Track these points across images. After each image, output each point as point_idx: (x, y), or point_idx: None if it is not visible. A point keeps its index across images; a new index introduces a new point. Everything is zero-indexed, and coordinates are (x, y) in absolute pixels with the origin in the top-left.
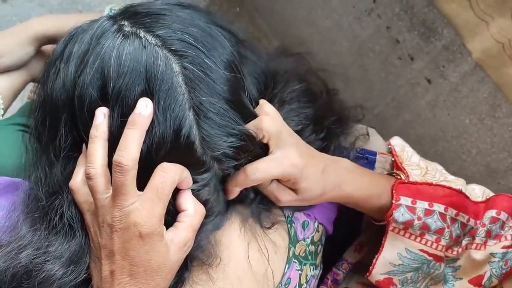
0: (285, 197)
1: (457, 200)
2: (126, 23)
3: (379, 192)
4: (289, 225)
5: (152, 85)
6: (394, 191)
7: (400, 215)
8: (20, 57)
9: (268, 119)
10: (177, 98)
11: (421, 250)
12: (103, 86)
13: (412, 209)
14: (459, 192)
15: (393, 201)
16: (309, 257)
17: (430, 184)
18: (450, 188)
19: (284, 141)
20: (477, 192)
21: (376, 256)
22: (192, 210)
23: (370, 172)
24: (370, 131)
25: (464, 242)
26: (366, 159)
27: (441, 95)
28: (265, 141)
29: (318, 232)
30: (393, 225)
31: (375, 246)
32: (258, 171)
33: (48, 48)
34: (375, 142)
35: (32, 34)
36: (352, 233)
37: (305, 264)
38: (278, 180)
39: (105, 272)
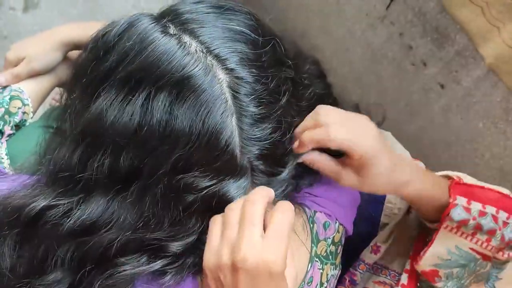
0: (347, 178)
1: (508, 204)
2: (171, 26)
3: (440, 193)
4: (311, 225)
5: (193, 94)
6: (451, 191)
7: (457, 214)
8: (48, 62)
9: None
10: (218, 107)
11: (471, 249)
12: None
13: (468, 210)
14: (508, 196)
15: (450, 201)
16: (330, 256)
17: (482, 188)
18: (499, 192)
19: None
20: None
21: (424, 249)
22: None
23: (431, 172)
24: (386, 134)
25: None
26: None
27: (454, 100)
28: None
29: (339, 232)
30: (447, 223)
31: (393, 246)
32: (338, 135)
33: (73, 54)
34: (392, 145)
35: (59, 40)
36: (369, 234)
37: (326, 264)
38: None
39: None
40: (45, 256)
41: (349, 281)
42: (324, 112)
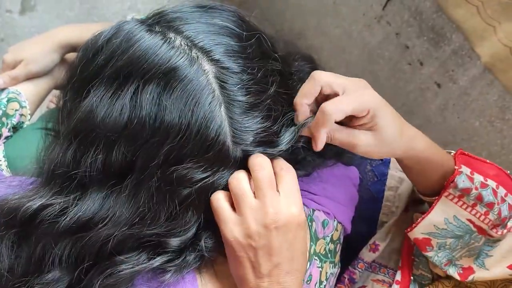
0: (362, 139)
1: (506, 181)
2: (156, 26)
3: (445, 159)
4: (309, 223)
5: (179, 85)
6: (456, 159)
7: (461, 181)
8: (46, 64)
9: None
10: (206, 97)
11: (469, 220)
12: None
13: (471, 179)
14: (507, 174)
15: (456, 167)
16: (329, 255)
17: (485, 161)
18: (500, 168)
19: (353, 80)
20: None
21: (422, 216)
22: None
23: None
24: None
25: (509, 224)
26: (381, 160)
27: (451, 99)
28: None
29: (337, 231)
30: (449, 191)
31: (391, 244)
32: (336, 105)
33: (71, 56)
34: None
35: (57, 42)
36: (368, 233)
37: (325, 262)
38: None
39: (265, 270)
40: (43, 255)
41: (348, 279)
42: (320, 75)
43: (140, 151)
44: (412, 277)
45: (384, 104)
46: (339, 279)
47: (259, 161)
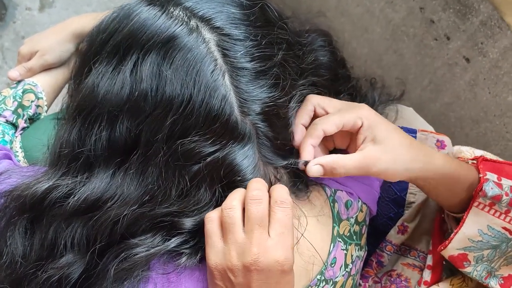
0: (371, 152)
1: None
2: (156, 2)
3: (467, 170)
4: (332, 204)
5: (179, 54)
6: (480, 167)
7: (490, 188)
8: (61, 54)
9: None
10: (208, 66)
11: (504, 228)
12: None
13: (499, 185)
14: None
15: (481, 175)
16: (354, 237)
17: (511, 164)
18: None
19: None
20: None
21: (455, 231)
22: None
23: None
24: (408, 110)
25: None
26: None
27: (481, 74)
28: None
29: (362, 212)
30: (479, 201)
31: (421, 226)
32: (327, 117)
33: None
34: (415, 120)
35: (71, 31)
36: (396, 214)
37: (350, 244)
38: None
39: None
40: (55, 238)
41: (376, 263)
42: (313, 97)
43: (143, 125)
44: (444, 262)
45: (380, 117)
46: (366, 263)
47: (256, 194)
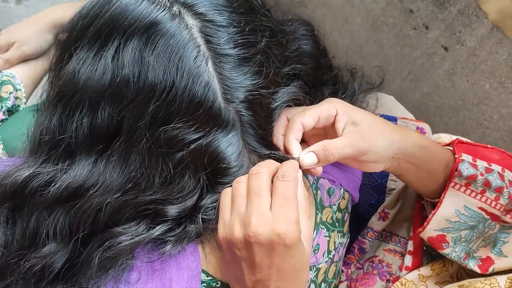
0: (352, 135)
1: (511, 164)
2: None
3: (444, 152)
4: (314, 192)
5: (161, 40)
6: (455, 148)
7: (465, 168)
8: (39, 45)
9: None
10: (190, 52)
11: (480, 208)
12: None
13: (474, 166)
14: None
15: (456, 156)
16: (336, 224)
17: (486, 147)
18: (503, 152)
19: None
20: None
21: (433, 212)
22: (303, 200)
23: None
24: (388, 98)
25: None
26: None
27: (459, 62)
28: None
29: (344, 199)
30: (455, 181)
31: (401, 212)
32: (303, 111)
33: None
34: (395, 108)
35: (49, 22)
36: (377, 201)
37: (332, 231)
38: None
39: (249, 282)
40: (36, 227)
41: (358, 249)
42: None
43: (126, 111)
44: (424, 247)
45: (351, 105)
46: (349, 250)
47: (256, 168)
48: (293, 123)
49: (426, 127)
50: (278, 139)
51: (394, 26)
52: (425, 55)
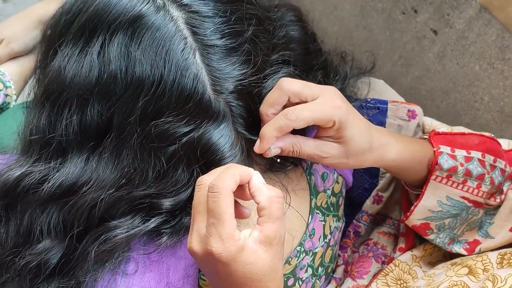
0: (330, 150)
1: (492, 147)
2: None
3: (423, 148)
4: (308, 177)
5: (147, 33)
6: (432, 141)
7: (445, 161)
8: (27, 42)
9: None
10: (177, 45)
11: (462, 197)
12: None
13: (453, 157)
14: (492, 138)
15: (435, 149)
16: (331, 208)
17: (463, 134)
18: (482, 135)
19: (323, 89)
20: (503, 144)
21: (414, 204)
22: (264, 201)
23: (406, 135)
24: (379, 82)
25: (505, 188)
26: (377, 109)
27: (449, 45)
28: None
29: (338, 183)
30: (436, 174)
31: (394, 195)
32: (299, 112)
33: None
34: (385, 92)
35: (36, 18)
36: (371, 185)
37: (328, 216)
38: (317, 137)
39: None
40: (30, 224)
41: (353, 233)
42: (287, 84)
43: (115, 107)
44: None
45: (352, 116)
46: (344, 234)
47: (200, 178)
48: (284, 125)
49: (417, 109)
50: (267, 117)
51: (383, 11)
52: (415, 39)
